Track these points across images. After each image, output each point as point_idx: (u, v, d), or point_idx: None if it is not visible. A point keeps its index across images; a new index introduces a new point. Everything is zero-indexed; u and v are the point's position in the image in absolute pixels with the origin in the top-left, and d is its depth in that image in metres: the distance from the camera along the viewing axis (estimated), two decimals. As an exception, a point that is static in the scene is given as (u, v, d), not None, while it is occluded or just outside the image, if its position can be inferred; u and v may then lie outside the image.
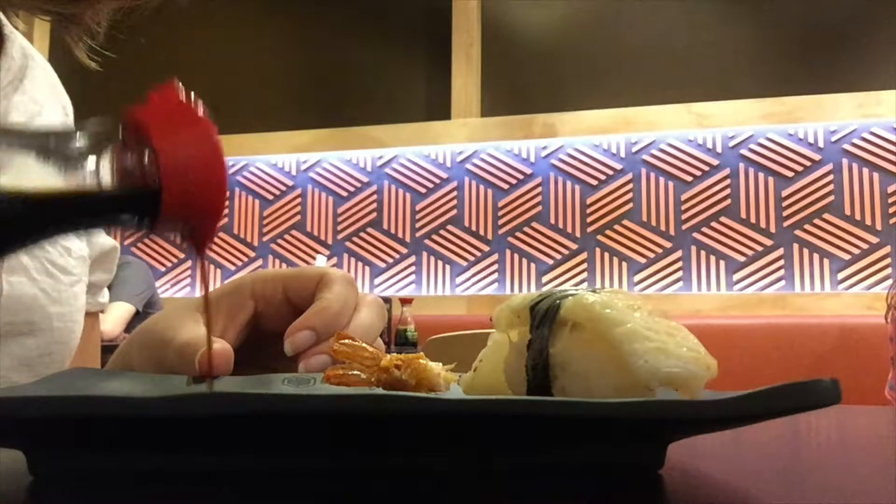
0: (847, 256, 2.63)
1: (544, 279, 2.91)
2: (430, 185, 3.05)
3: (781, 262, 2.69)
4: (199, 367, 0.39)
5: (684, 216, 2.79)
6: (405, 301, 2.46)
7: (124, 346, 0.51)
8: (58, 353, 0.56)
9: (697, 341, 0.30)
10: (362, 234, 3.11)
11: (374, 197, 3.11)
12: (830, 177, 2.66)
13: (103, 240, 0.68)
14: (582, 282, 2.88)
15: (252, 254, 3.24)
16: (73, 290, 0.57)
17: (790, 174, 2.71)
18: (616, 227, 2.85)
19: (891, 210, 2.60)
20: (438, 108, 3.08)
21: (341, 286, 0.47)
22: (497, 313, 0.35)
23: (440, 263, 3.01)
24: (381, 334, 0.47)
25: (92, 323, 0.70)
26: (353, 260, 3.11)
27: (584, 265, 2.88)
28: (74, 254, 0.58)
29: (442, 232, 3.02)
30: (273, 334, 0.46)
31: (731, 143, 2.78)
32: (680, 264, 2.79)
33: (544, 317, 0.31)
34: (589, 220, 2.88)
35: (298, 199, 3.21)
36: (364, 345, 0.37)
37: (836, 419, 0.48)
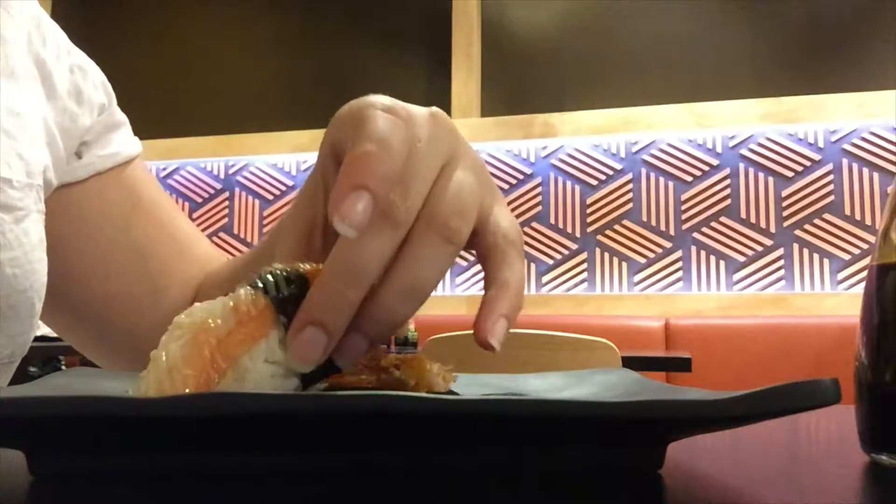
0: (847, 256, 2.63)
1: (544, 279, 2.91)
2: (430, 185, 3.05)
3: (781, 262, 2.69)
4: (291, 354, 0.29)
5: (684, 216, 2.79)
6: (405, 301, 2.45)
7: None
8: (20, 303, 0.48)
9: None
10: (362, 234, 3.11)
11: (374, 197, 3.11)
12: (830, 177, 2.66)
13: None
14: (582, 282, 2.88)
15: (252, 254, 3.24)
16: (21, 227, 0.48)
17: (790, 174, 2.71)
18: (616, 227, 2.85)
19: (891, 210, 2.60)
20: (438, 107, 3.08)
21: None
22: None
23: (440, 263, 3.00)
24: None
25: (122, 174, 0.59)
26: (353, 260, 3.10)
27: (584, 265, 2.88)
28: (16, 184, 0.48)
29: (442, 232, 3.02)
30: None
31: (731, 143, 2.78)
32: (680, 264, 2.79)
33: None
34: (589, 220, 2.88)
35: (298, 199, 3.21)
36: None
37: (836, 419, 0.48)
